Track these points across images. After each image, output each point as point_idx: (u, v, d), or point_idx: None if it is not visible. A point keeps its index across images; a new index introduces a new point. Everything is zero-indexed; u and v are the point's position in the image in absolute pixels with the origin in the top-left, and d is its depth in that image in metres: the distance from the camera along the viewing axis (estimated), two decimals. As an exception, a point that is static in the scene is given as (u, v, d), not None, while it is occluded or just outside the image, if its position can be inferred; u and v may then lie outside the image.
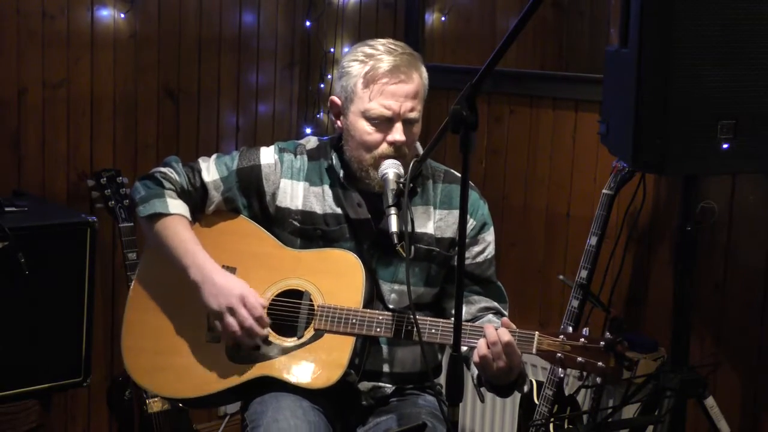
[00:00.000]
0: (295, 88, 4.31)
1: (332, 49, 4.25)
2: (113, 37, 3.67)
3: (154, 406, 3.47)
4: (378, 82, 2.40)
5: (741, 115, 2.49)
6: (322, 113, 4.29)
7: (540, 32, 4.16)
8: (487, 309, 2.55)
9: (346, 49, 4.22)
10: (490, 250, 2.58)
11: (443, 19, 4.12)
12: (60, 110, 3.57)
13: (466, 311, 2.50)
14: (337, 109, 2.51)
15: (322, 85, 4.27)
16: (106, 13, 3.64)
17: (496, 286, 2.59)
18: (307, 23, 4.27)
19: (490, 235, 2.58)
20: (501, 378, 2.30)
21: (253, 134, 4.15)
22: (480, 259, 2.56)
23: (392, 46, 2.45)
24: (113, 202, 3.46)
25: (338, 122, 2.52)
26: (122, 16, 3.68)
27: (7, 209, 3.04)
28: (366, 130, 2.42)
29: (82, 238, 3.08)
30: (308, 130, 4.28)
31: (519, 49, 4.07)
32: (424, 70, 2.47)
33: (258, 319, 2.39)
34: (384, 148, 2.42)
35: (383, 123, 2.42)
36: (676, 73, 2.44)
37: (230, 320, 2.38)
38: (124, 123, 3.74)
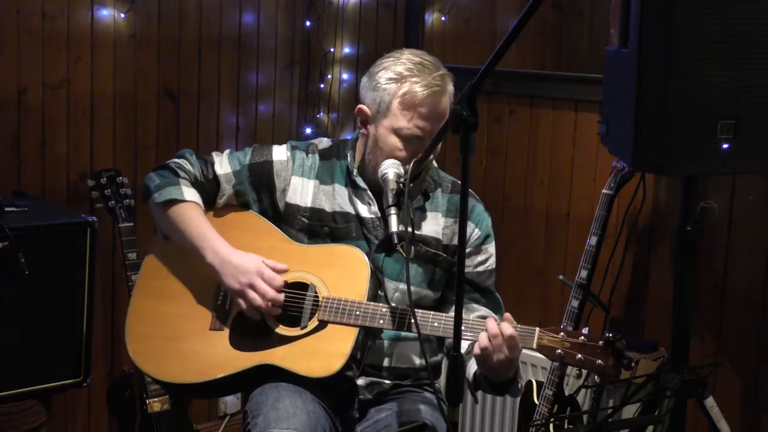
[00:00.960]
0: (295, 88, 4.31)
1: (332, 49, 4.25)
2: (113, 37, 3.67)
3: (154, 406, 3.48)
4: (415, 106, 2.43)
5: (741, 115, 2.49)
6: (322, 113, 4.29)
7: (540, 32, 4.16)
8: (485, 318, 2.56)
9: (346, 50, 4.22)
10: (491, 262, 2.63)
11: (443, 19, 4.12)
12: (60, 110, 3.57)
13: (464, 317, 2.50)
14: (365, 118, 2.53)
15: (322, 85, 4.27)
16: (106, 13, 3.64)
17: (495, 297, 2.63)
18: (307, 23, 4.27)
19: (492, 248, 2.63)
20: (500, 373, 2.31)
21: (253, 134, 4.15)
22: (481, 268, 2.59)
23: (426, 65, 2.47)
24: (113, 202, 3.46)
25: (363, 129, 2.55)
26: (122, 16, 3.68)
27: (7, 209, 3.04)
28: (397, 145, 2.46)
29: (82, 238, 3.08)
30: (308, 130, 4.28)
31: (519, 49, 4.07)
32: (451, 85, 2.50)
33: (279, 289, 2.44)
34: (405, 159, 2.47)
35: (413, 139, 2.45)
36: (676, 73, 2.44)
37: (253, 295, 2.43)
38: (124, 123, 3.75)
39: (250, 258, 2.47)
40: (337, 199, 2.56)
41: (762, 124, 2.52)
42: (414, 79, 2.44)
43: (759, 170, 2.94)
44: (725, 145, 2.50)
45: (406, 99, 2.44)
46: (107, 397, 3.67)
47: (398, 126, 2.45)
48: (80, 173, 3.63)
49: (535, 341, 2.28)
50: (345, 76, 4.24)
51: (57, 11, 3.51)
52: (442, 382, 2.51)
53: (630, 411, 3.08)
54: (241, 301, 2.45)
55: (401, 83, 2.45)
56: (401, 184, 2.35)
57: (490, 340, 2.26)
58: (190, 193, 2.54)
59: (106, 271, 3.71)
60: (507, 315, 2.32)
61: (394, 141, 2.46)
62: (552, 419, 3.25)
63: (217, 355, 2.48)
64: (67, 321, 3.09)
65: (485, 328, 2.28)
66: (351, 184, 2.56)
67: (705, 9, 2.43)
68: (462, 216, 2.03)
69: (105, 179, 3.47)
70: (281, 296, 2.44)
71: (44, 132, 3.54)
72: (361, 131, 2.57)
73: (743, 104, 2.49)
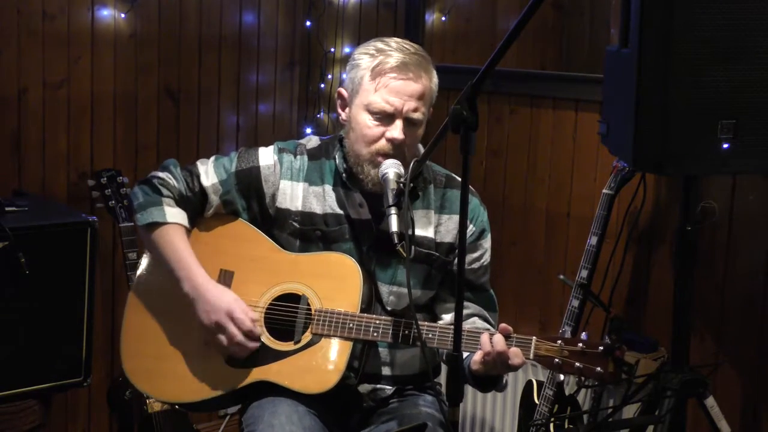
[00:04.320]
0: (295, 88, 4.31)
1: (332, 49, 4.25)
2: (113, 37, 3.67)
3: (155, 406, 3.48)
4: (384, 76, 2.40)
5: (741, 115, 2.49)
6: (322, 113, 4.29)
7: (540, 32, 4.16)
8: (474, 316, 2.55)
9: (346, 50, 4.22)
10: (486, 257, 2.58)
11: (443, 19, 4.12)
12: (60, 110, 3.57)
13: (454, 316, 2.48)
14: (344, 101, 2.51)
15: (322, 85, 4.27)
16: (106, 13, 3.64)
17: (488, 295, 2.59)
18: (307, 23, 4.27)
19: (487, 242, 2.58)
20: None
21: (253, 134, 4.15)
22: (475, 265, 2.55)
23: (406, 45, 2.45)
24: (113, 202, 3.46)
25: (343, 114, 2.51)
26: (122, 16, 3.68)
27: (7, 209, 3.04)
28: (366, 123, 2.42)
29: (82, 238, 3.08)
30: (308, 130, 4.28)
31: (519, 49, 4.07)
32: (434, 74, 2.47)
33: (247, 334, 2.39)
34: (382, 144, 2.42)
35: (384, 118, 2.41)
36: (676, 73, 2.44)
37: (221, 337, 2.40)
38: (124, 123, 3.75)
39: (223, 296, 2.41)
40: (328, 200, 2.51)
41: (762, 124, 2.52)
42: (389, 52, 2.42)
43: (759, 170, 2.94)
44: (725, 145, 2.50)
45: (376, 69, 2.41)
46: (107, 397, 3.67)
47: (368, 101, 2.41)
48: (80, 173, 3.63)
49: (532, 351, 2.25)
50: (345, 76, 4.23)
51: (57, 11, 3.51)
52: (442, 380, 2.50)
53: (630, 411, 3.08)
54: (209, 338, 2.42)
55: (375, 57, 2.43)
56: (401, 184, 2.31)
57: (483, 357, 2.25)
58: (173, 214, 2.47)
59: (106, 271, 3.71)
60: (503, 326, 2.29)
61: (365, 118, 2.42)
62: (552, 419, 3.25)
63: (212, 373, 2.45)
64: (67, 321, 3.09)
65: (480, 342, 2.27)
66: (341, 185, 2.51)
67: (705, 9, 2.43)
68: (462, 218, 2.01)
69: (105, 179, 3.47)
70: (250, 343, 2.39)
71: (44, 132, 3.54)
72: (341, 117, 2.52)
73: (743, 104, 2.49)
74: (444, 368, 2.69)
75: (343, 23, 4.22)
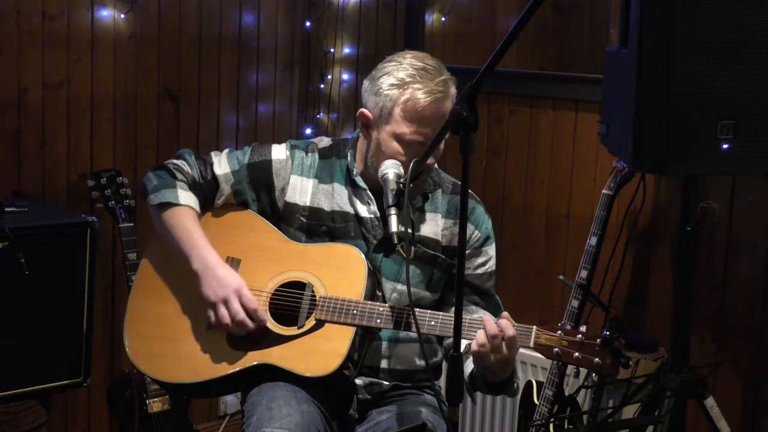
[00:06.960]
0: (295, 88, 4.31)
1: (332, 49, 4.25)
2: (113, 38, 3.68)
3: (154, 406, 3.48)
4: (417, 113, 2.43)
5: (741, 115, 2.50)
6: (321, 113, 4.29)
7: (540, 32, 4.16)
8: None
9: (346, 50, 4.22)
10: (491, 264, 2.62)
11: (443, 19, 4.12)
12: (60, 110, 3.57)
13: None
14: (367, 122, 2.52)
15: (322, 85, 4.27)
16: (106, 14, 3.64)
17: (495, 300, 2.63)
18: (307, 23, 4.27)
19: (492, 250, 2.62)
20: (496, 372, 2.32)
21: (253, 134, 4.15)
22: (480, 270, 2.59)
23: (429, 71, 2.46)
24: (113, 202, 3.46)
25: (366, 133, 2.54)
26: (122, 16, 3.68)
27: (7, 209, 3.04)
28: (399, 150, 2.46)
29: (82, 238, 3.08)
30: (308, 131, 4.29)
31: (519, 49, 4.07)
32: (454, 88, 2.50)
33: (251, 313, 2.43)
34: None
35: (415, 144, 2.46)
36: (676, 73, 2.45)
37: (223, 312, 2.43)
38: (124, 123, 3.75)
39: (234, 276, 2.47)
40: (336, 198, 2.56)
41: (762, 124, 2.52)
42: (416, 86, 2.43)
43: (759, 170, 2.94)
44: (725, 145, 2.50)
45: (408, 106, 2.43)
46: (107, 397, 3.67)
47: (400, 132, 2.45)
48: (80, 173, 3.63)
49: (533, 340, 2.29)
50: (345, 76, 4.24)
51: (57, 11, 3.51)
52: (442, 383, 2.51)
53: (630, 411, 3.08)
54: (211, 313, 2.45)
55: (403, 90, 2.44)
56: (401, 184, 2.36)
57: (488, 340, 2.26)
58: (186, 197, 2.53)
59: (106, 271, 3.71)
60: (505, 314, 2.32)
61: (396, 146, 2.47)
62: (552, 419, 3.25)
63: (214, 354, 2.49)
64: (67, 321, 3.09)
65: (483, 326, 2.28)
66: (350, 184, 2.56)
67: (705, 9, 2.43)
68: (462, 216, 2.03)
69: (105, 179, 3.47)
70: (251, 323, 2.43)
71: (44, 132, 3.54)
72: (363, 135, 2.57)
73: (743, 104, 2.49)
74: (444, 369, 2.70)
75: (343, 23, 4.22)
